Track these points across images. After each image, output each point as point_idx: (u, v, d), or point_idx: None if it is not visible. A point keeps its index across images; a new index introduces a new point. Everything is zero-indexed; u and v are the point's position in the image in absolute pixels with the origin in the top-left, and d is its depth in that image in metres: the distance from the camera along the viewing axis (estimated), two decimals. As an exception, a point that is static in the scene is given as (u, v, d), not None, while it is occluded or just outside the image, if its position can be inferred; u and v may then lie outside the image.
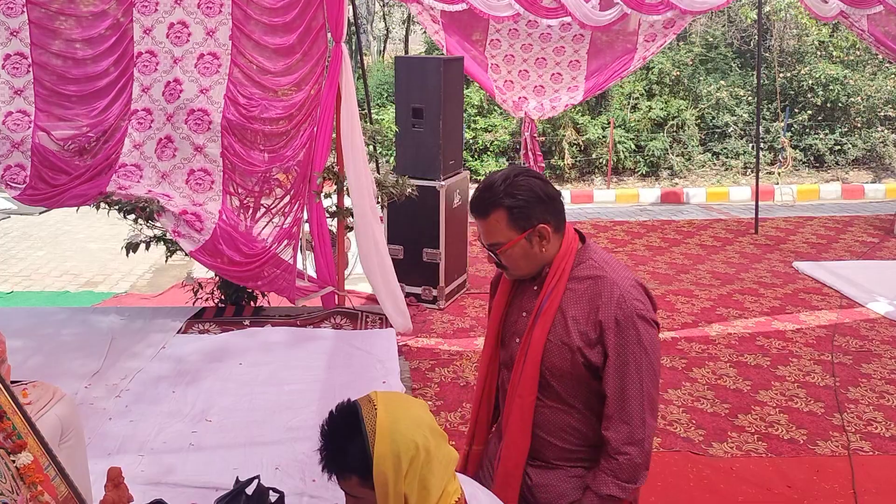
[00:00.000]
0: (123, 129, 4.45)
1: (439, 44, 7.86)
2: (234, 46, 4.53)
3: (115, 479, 2.01)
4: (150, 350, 4.45)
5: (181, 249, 4.74)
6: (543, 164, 8.84)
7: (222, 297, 5.22)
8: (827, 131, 12.03)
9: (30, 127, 4.27)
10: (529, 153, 8.41)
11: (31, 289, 6.95)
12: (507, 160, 11.64)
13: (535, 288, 2.08)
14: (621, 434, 1.94)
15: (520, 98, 8.17)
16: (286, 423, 3.63)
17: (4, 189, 4.36)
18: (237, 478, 2.74)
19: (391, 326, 4.84)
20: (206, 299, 5.22)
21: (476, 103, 11.76)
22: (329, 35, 4.76)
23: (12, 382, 2.32)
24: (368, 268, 4.93)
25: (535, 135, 8.40)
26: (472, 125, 11.60)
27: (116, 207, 4.65)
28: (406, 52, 14.58)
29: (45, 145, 4.32)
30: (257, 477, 2.70)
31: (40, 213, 9.07)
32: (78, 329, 4.76)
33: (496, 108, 11.67)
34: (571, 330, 1.97)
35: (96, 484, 2.35)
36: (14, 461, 1.92)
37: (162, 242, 4.94)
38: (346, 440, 1.57)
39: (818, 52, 12.65)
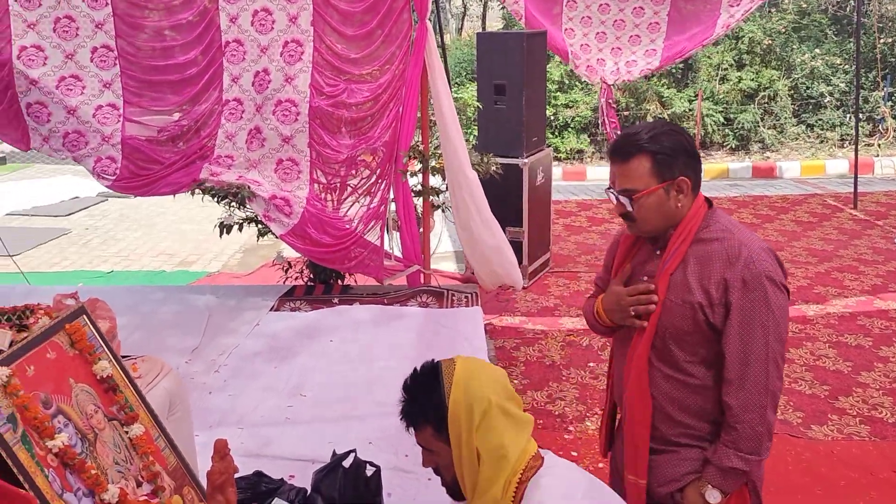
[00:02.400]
0: (217, 120, 4.49)
1: (517, 14, 7.72)
2: (316, 32, 4.52)
3: (221, 451, 2.07)
4: (245, 327, 4.59)
5: (272, 231, 4.84)
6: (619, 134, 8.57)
7: (311, 276, 5.33)
8: (932, 99, 11.34)
9: (119, 120, 4.31)
10: (606, 120, 8.17)
11: (130, 268, 7.25)
12: (589, 136, 11.44)
13: (658, 252, 2.02)
14: (741, 400, 1.87)
15: (597, 60, 7.91)
16: (378, 398, 3.68)
17: (97, 180, 4.48)
18: (334, 451, 2.79)
19: (477, 305, 4.84)
20: (296, 278, 5.34)
21: (556, 79, 11.56)
22: (414, 13, 4.74)
23: (122, 357, 2.43)
24: (469, 239, 4.91)
25: (612, 101, 8.14)
26: (553, 101, 11.41)
27: (211, 194, 4.78)
28: (483, 28, 14.45)
29: (134, 136, 4.38)
30: (354, 451, 2.75)
31: (136, 196, 9.40)
32: (176, 307, 4.95)
33: (577, 83, 11.44)
34: (693, 287, 1.91)
35: (201, 455, 2.44)
36: (127, 432, 2.02)
37: (254, 223, 5.07)
38: (425, 391, 1.70)
39: (923, 16, 11.90)
